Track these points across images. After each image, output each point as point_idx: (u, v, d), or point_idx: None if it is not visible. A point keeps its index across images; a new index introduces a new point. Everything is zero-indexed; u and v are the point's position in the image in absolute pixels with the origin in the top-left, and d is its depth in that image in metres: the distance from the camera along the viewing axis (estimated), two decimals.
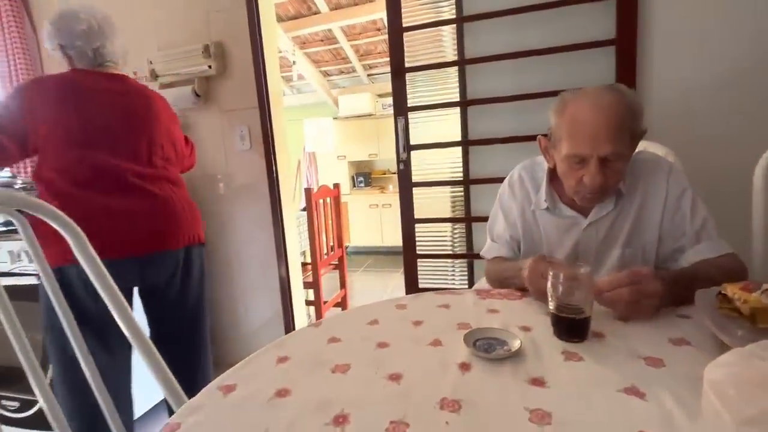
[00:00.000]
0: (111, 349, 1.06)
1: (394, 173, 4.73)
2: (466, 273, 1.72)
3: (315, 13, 3.64)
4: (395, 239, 4.41)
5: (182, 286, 1.19)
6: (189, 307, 1.23)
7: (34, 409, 1.35)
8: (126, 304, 0.67)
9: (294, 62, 4.02)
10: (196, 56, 1.72)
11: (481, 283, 1.10)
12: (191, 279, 1.22)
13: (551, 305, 0.60)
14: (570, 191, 0.80)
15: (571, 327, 0.58)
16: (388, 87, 4.51)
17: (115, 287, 0.64)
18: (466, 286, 1.69)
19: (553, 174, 0.87)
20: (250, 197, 1.85)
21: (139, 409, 1.51)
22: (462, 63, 1.50)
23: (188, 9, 1.78)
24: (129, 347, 1.06)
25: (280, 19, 3.64)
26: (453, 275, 1.79)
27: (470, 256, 1.63)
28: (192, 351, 1.26)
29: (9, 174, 1.82)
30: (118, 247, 1.04)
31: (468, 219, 1.60)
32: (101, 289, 0.66)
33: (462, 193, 1.65)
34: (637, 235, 0.82)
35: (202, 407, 0.48)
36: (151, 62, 1.79)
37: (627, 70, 1.30)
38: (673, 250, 0.81)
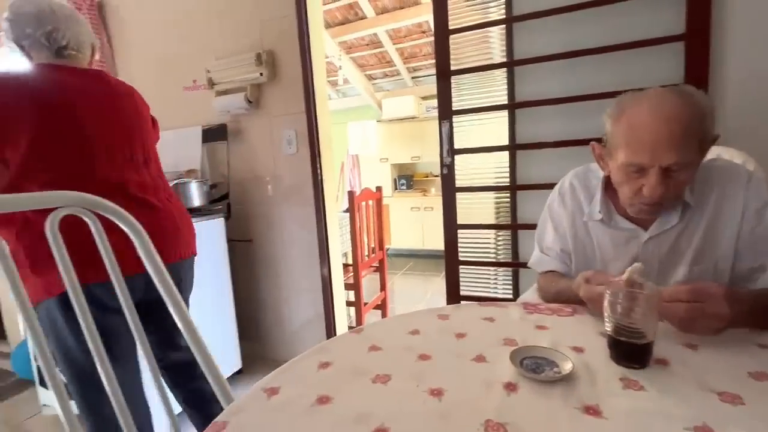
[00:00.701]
0: (117, 358, 0.97)
1: (437, 176, 4.70)
2: (510, 282, 1.65)
3: (361, 18, 3.69)
4: (436, 243, 4.36)
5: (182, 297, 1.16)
6: None
7: None
8: (184, 305, 0.72)
9: (340, 67, 4.11)
10: (249, 64, 1.81)
11: (527, 295, 1.05)
12: (187, 291, 1.23)
13: (608, 326, 0.56)
14: (625, 202, 0.74)
15: (631, 352, 0.53)
16: (432, 89, 4.50)
17: (175, 290, 0.67)
18: (510, 296, 1.63)
19: (608, 183, 0.81)
20: (296, 199, 1.91)
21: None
22: (512, 64, 1.45)
23: (243, 20, 1.87)
24: (134, 353, 1.07)
25: (327, 26, 3.74)
26: (495, 283, 1.73)
27: (515, 264, 1.57)
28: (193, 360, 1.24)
29: None
30: (130, 264, 0.83)
31: (514, 226, 1.54)
32: (165, 293, 0.71)
33: (507, 199, 1.60)
34: (708, 252, 0.74)
35: (247, 408, 0.49)
36: (208, 71, 1.91)
37: (698, 68, 1.19)
38: (751, 270, 0.72)
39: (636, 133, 0.66)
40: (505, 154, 1.55)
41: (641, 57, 1.27)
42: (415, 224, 4.49)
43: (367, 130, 4.69)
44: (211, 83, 1.92)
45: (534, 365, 0.54)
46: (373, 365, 0.57)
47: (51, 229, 0.65)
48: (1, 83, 0.90)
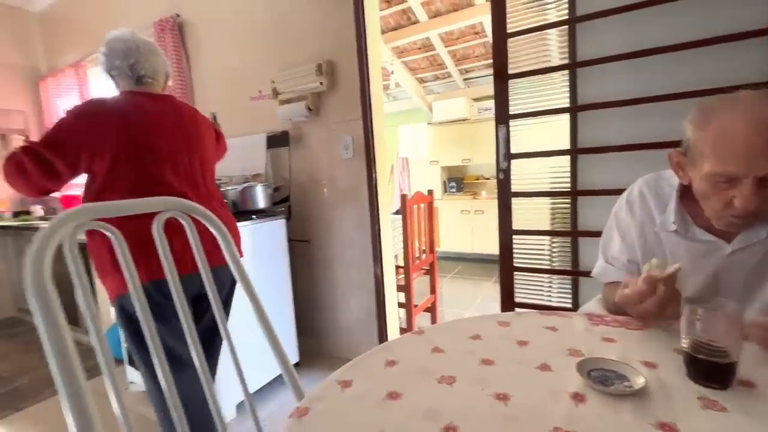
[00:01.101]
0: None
1: (488, 179, 4.61)
2: (567, 290, 1.59)
3: (414, 23, 3.73)
4: (486, 246, 4.28)
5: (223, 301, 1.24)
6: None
7: None
8: (260, 301, 0.80)
9: (392, 72, 4.17)
10: (310, 74, 1.92)
11: (590, 305, 1.02)
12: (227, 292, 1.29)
13: (684, 343, 0.54)
14: (712, 214, 0.70)
15: (712, 371, 0.51)
16: (484, 91, 4.44)
17: (252, 286, 0.75)
18: (567, 305, 1.57)
19: (683, 192, 0.77)
20: (351, 202, 1.98)
21: (251, 386, 1.73)
22: (576, 65, 1.40)
23: (304, 32, 1.99)
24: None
25: (380, 31, 3.81)
26: (550, 291, 1.68)
27: (575, 273, 1.51)
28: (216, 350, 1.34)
29: None
30: (187, 264, 1.00)
31: (574, 233, 1.49)
32: (245, 289, 0.79)
33: (565, 205, 1.55)
34: None
35: (324, 398, 0.54)
36: (273, 82, 2.04)
37: None
38: None
39: (728, 142, 0.62)
40: (564, 158, 1.50)
41: (718, 54, 1.18)
42: (464, 227, 4.44)
43: (418, 133, 4.71)
44: (276, 93, 2.05)
45: (602, 377, 0.53)
46: (437, 366, 0.60)
47: (157, 229, 0.75)
48: (96, 108, 1.09)
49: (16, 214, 3.20)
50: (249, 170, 2.12)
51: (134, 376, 1.88)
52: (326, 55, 1.93)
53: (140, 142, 1.10)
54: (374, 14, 1.88)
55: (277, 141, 2.12)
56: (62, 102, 3.29)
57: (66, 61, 3.28)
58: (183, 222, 0.80)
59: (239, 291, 0.79)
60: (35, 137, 3.62)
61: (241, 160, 2.16)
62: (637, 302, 0.66)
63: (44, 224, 2.68)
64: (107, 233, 0.67)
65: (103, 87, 1.29)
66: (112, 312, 2.07)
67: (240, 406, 1.66)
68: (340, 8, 1.84)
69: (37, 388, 2.04)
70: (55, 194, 1.29)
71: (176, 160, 1.16)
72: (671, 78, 1.26)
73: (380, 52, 2.00)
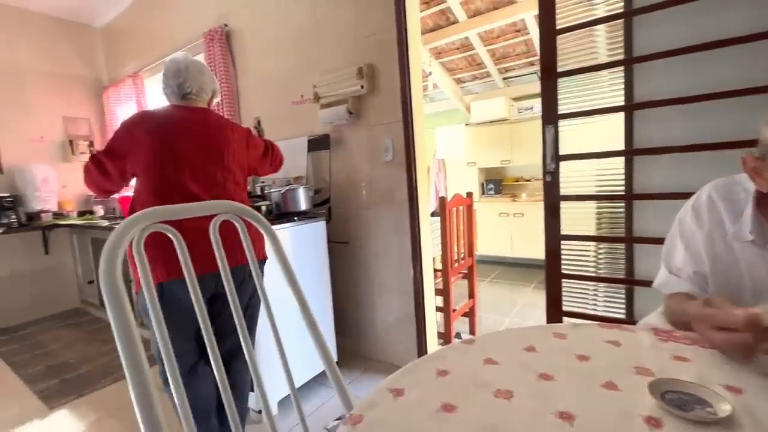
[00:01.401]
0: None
1: (528, 181, 4.46)
2: (616, 300, 1.50)
3: (453, 23, 3.68)
4: (525, 251, 4.13)
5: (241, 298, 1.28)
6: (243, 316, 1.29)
7: None
8: (303, 295, 0.81)
9: (430, 73, 4.14)
10: (350, 78, 1.94)
11: (652, 318, 0.95)
12: (246, 293, 1.34)
13: None
14: None
15: None
16: (524, 90, 4.31)
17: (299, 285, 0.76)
18: (617, 315, 1.48)
19: (761, 199, 0.69)
20: (390, 204, 1.98)
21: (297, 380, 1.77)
22: (631, 61, 1.32)
23: (345, 37, 2.01)
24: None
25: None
26: (595, 300, 1.59)
27: (630, 282, 1.42)
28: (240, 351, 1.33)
29: None
30: (202, 264, 1.06)
31: (630, 239, 1.40)
32: (292, 289, 0.81)
33: (614, 209, 1.46)
34: None
35: (377, 405, 0.54)
36: (315, 86, 2.09)
37: None
38: None
39: None
40: (615, 160, 1.41)
41: None
42: (503, 231, 4.31)
43: (455, 135, 4.64)
44: (317, 97, 2.09)
45: (679, 401, 0.49)
46: (492, 379, 0.58)
47: (213, 230, 0.78)
48: (138, 119, 1.26)
49: (81, 214, 3.48)
50: (291, 173, 2.17)
51: None
52: (367, 59, 1.94)
53: (165, 149, 1.22)
54: (415, 16, 1.87)
55: (318, 144, 2.16)
56: (121, 110, 3.54)
57: (125, 72, 3.53)
58: (236, 224, 0.82)
59: (285, 289, 0.79)
60: (98, 143, 3.92)
61: (284, 164, 2.22)
62: (722, 327, 0.58)
63: (102, 222, 2.88)
64: (169, 234, 0.71)
65: (158, 95, 1.43)
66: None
67: (281, 403, 1.70)
68: (381, 11, 1.85)
69: (98, 375, 2.20)
70: (115, 195, 1.42)
71: (196, 166, 1.25)
72: (744, 71, 1.15)
73: (420, 53, 1.98)
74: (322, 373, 1.92)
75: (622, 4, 1.33)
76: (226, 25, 2.56)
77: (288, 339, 1.41)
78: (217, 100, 1.46)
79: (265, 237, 0.84)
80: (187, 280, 0.72)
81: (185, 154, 1.24)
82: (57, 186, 3.38)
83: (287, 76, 2.32)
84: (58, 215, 3.33)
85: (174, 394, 0.61)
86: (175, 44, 3.01)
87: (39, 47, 3.45)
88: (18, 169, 3.23)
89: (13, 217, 3.07)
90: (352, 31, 1.98)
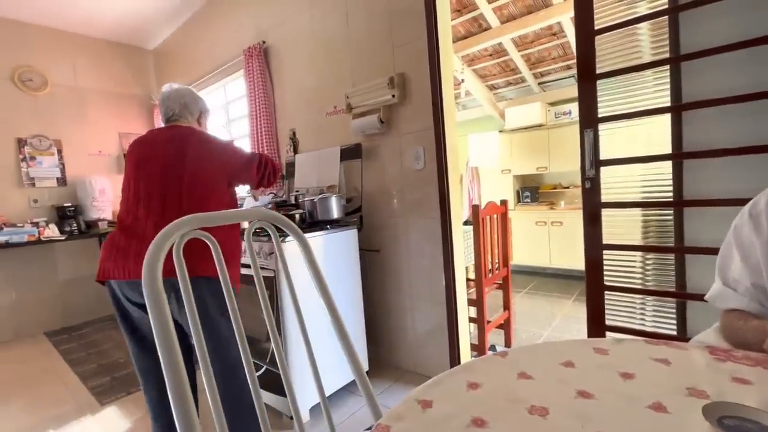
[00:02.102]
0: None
1: (567, 188, 4.28)
2: (667, 315, 1.40)
3: (485, 30, 3.64)
4: (564, 261, 3.95)
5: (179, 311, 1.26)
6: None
7: (259, 372, 1.76)
8: (332, 300, 0.81)
9: (462, 80, 4.11)
10: (382, 88, 1.96)
11: (707, 336, 0.87)
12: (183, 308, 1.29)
13: None
14: None
15: None
16: (561, 94, 4.17)
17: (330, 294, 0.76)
18: (669, 332, 1.37)
19: None
20: (421, 212, 1.97)
21: (325, 390, 1.78)
22: (678, 59, 1.24)
23: (376, 48, 2.04)
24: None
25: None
26: (643, 315, 1.48)
27: (682, 295, 1.31)
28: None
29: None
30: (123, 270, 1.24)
31: (681, 249, 1.30)
32: (319, 290, 0.82)
33: (663, 217, 1.37)
34: None
35: (405, 417, 0.52)
36: (347, 97, 2.13)
37: None
38: None
39: None
40: (661, 164, 1.33)
41: None
42: (540, 240, 4.15)
43: (489, 142, 4.56)
44: (349, 107, 2.13)
45: (740, 428, 0.44)
46: (526, 394, 0.55)
47: (247, 236, 0.81)
48: (133, 141, 1.42)
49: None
50: (324, 182, 2.22)
51: None
52: (398, 68, 1.96)
53: (130, 167, 1.36)
54: (446, 24, 1.87)
55: (350, 153, 2.19)
56: None
57: None
58: (269, 230, 0.85)
59: (317, 299, 0.80)
60: None
61: (316, 172, 2.28)
62: None
63: None
64: (206, 240, 0.74)
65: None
66: None
67: (313, 410, 1.71)
68: (412, 21, 1.87)
69: None
70: None
71: (152, 188, 1.29)
72: None
73: (452, 61, 1.97)
74: (354, 382, 1.92)
75: (663, 0, 1.26)
76: (263, 42, 2.69)
77: (320, 346, 1.43)
78: (205, 118, 1.53)
79: (297, 244, 0.86)
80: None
81: (136, 170, 1.33)
82: (112, 196, 3.66)
83: (321, 87, 2.38)
84: (112, 223, 3.60)
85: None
86: (218, 61, 3.19)
87: (99, 69, 3.78)
88: (79, 180, 3.52)
89: (75, 225, 3.34)
90: (384, 41, 2.01)
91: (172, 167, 1.29)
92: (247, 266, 1.74)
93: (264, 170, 1.49)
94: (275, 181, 1.58)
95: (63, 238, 3.16)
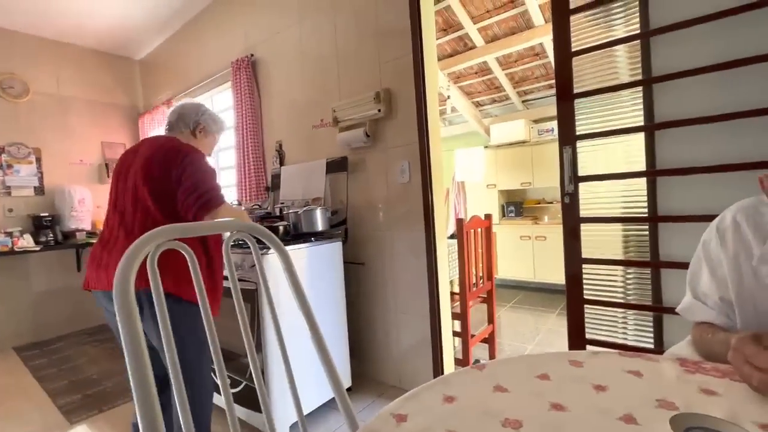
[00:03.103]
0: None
1: (550, 203, 4.37)
2: (646, 328, 1.42)
3: (471, 48, 3.75)
4: (548, 275, 4.00)
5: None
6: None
7: (238, 388, 1.71)
8: (312, 313, 0.80)
9: (448, 97, 4.20)
10: (368, 102, 1.99)
11: (680, 348, 0.89)
12: (145, 321, 1.22)
13: None
14: None
15: None
16: (544, 112, 4.29)
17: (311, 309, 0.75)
18: (646, 345, 1.40)
19: None
20: (406, 225, 1.98)
21: (307, 406, 1.74)
22: (650, 82, 1.30)
23: (364, 63, 2.08)
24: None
25: (437, 59, 3.88)
26: (625, 328, 1.51)
27: (657, 309, 1.34)
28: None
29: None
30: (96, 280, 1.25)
31: (656, 264, 1.33)
32: (299, 303, 0.81)
33: (641, 232, 1.40)
34: None
35: (379, 431, 0.52)
36: (334, 110, 2.15)
37: None
38: None
39: None
40: (641, 180, 1.37)
41: None
42: (524, 254, 4.20)
43: (474, 157, 4.63)
44: (336, 121, 2.15)
45: None
46: (501, 407, 0.55)
47: (226, 248, 0.80)
48: None
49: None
50: (309, 194, 2.22)
51: None
52: (384, 83, 2.00)
53: (112, 174, 1.41)
54: (431, 43, 1.92)
55: (336, 166, 2.20)
56: (154, 134, 3.75)
57: (159, 100, 3.76)
58: (248, 241, 0.84)
59: (296, 312, 0.79)
60: None
61: (302, 185, 2.28)
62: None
63: None
64: (182, 251, 0.73)
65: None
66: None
67: (294, 428, 1.67)
68: (399, 39, 1.91)
69: (118, 392, 2.23)
70: None
71: (117, 195, 1.32)
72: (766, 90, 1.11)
73: (437, 78, 2.02)
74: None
75: (638, 24, 1.32)
76: (252, 55, 2.71)
77: (303, 361, 1.40)
78: (199, 130, 1.48)
79: (277, 255, 0.85)
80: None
81: (114, 183, 1.35)
82: (92, 206, 3.57)
83: (308, 101, 2.40)
84: (91, 234, 3.50)
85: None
86: (205, 73, 3.19)
87: (83, 77, 3.74)
88: (58, 189, 3.43)
89: (51, 235, 3.24)
90: (371, 57, 2.05)
91: (141, 178, 1.25)
92: (226, 278, 1.72)
93: (189, 199, 1.25)
94: (199, 214, 1.29)
95: (38, 248, 3.06)
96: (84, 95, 3.74)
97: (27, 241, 3.05)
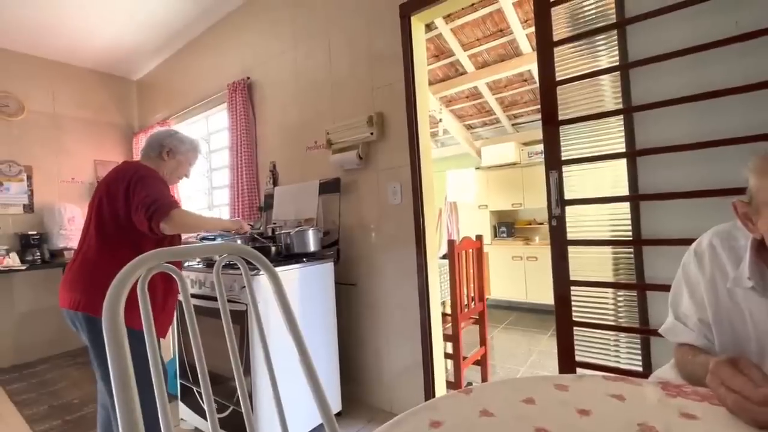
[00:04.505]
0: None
1: (541, 224, 4.42)
2: (637, 351, 1.43)
3: (462, 74, 3.87)
4: (541, 296, 4.01)
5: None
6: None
7: (225, 413, 1.67)
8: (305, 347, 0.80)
9: (440, 120, 4.30)
10: (361, 126, 2.03)
11: (664, 371, 0.90)
12: (87, 340, 1.32)
13: None
14: None
15: None
16: (533, 135, 4.40)
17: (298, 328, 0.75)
18: (638, 368, 1.40)
19: (761, 245, 0.69)
20: (398, 246, 1.99)
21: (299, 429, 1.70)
22: (629, 110, 1.36)
23: (357, 87, 2.14)
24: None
25: (429, 83, 3.99)
26: (617, 351, 1.51)
27: (643, 331, 1.36)
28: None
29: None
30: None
31: (641, 286, 1.36)
32: (288, 325, 0.81)
33: (628, 255, 1.43)
34: None
35: None
36: (328, 133, 2.19)
37: None
38: None
39: None
40: (625, 204, 1.41)
41: None
42: (516, 274, 4.22)
43: (466, 178, 4.71)
44: (330, 143, 2.19)
45: None
46: None
47: (216, 270, 0.80)
48: None
49: None
50: (302, 215, 2.23)
51: (185, 413, 1.93)
52: (377, 107, 2.05)
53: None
54: (423, 68, 1.99)
55: (329, 187, 2.23)
56: None
57: (155, 120, 3.80)
58: (238, 263, 0.85)
59: (286, 334, 0.79)
60: None
61: (295, 205, 2.29)
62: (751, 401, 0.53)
63: None
64: (173, 275, 0.74)
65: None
66: (172, 345, 2.17)
67: None
68: (391, 64, 1.98)
69: None
70: None
71: (91, 206, 1.42)
72: (748, 119, 1.17)
73: (428, 103, 2.08)
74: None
75: (617, 55, 1.39)
76: (248, 78, 2.77)
77: (293, 384, 1.38)
78: (166, 154, 1.52)
79: (267, 277, 0.85)
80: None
81: (91, 203, 1.43)
82: (82, 225, 3.54)
83: (302, 123, 2.45)
84: None
85: None
86: (201, 94, 3.24)
87: (79, 97, 3.77)
88: (47, 208, 3.41)
89: (38, 254, 3.19)
90: (364, 81, 2.11)
91: (104, 198, 1.37)
92: (214, 299, 1.70)
93: (149, 219, 1.29)
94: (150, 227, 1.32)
95: (24, 267, 3.01)
96: (79, 114, 3.77)
97: (12, 260, 3.00)
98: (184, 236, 1.69)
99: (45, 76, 3.56)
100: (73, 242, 3.44)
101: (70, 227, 3.42)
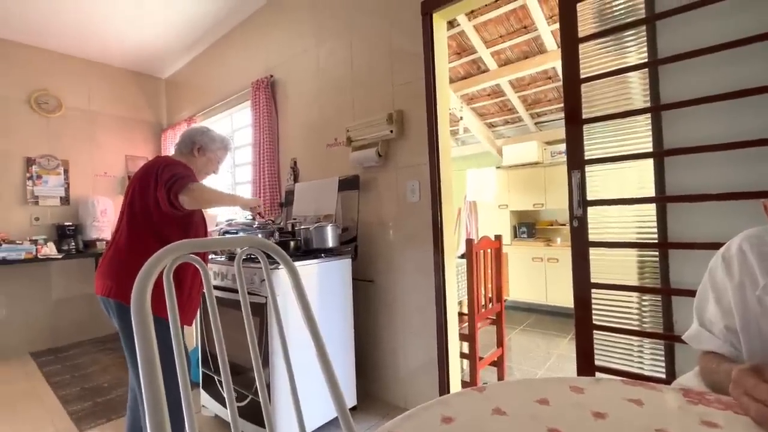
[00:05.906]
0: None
1: (563, 225, 4.32)
2: (661, 357, 1.38)
3: (484, 71, 3.82)
4: (561, 298, 3.92)
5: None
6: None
7: (244, 402, 1.72)
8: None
9: (461, 118, 4.26)
10: (381, 123, 2.04)
11: (688, 378, 0.88)
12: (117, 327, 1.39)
13: None
14: None
15: None
16: (557, 134, 4.31)
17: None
18: (661, 375, 1.36)
19: None
20: (416, 244, 1.99)
21: (312, 424, 1.74)
22: (658, 109, 1.31)
23: (377, 85, 2.15)
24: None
25: (450, 81, 3.96)
26: (641, 357, 1.47)
27: (667, 337, 1.32)
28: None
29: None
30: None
31: (666, 290, 1.31)
32: (305, 318, 0.83)
33: (653, 258, 1.39)
34: None
35: None
36: (348, 130, 2.21)
37: None
38: None
39: None
40: (651, 206, 1.36)
41: None
42: (536, 276, 4.15)
43: (486, 177, 4.65)
44: (349, 140, 2.21)
45: None
46: (497, 430, 0.56)
47: (237, 263, 0.83)
48: None
49: None
50: (321, 211, 2.26)
51: (206, 400, 2.00)
52: (397, 105, 2.06)
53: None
54: (443, 67, 1.98)
55: (348, 184, 2.25)
56: None
57: (182, 116, 3.92)
58: (259, 256, 0.88)
59: (304, 327, 0.81)
60: None
61: (315, 201, 2.33)
62: None
63: None
64: (196, 265, 0.77)
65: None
66: (195, 334, 2.25)
67: None
68: (412, 63, 1.98)
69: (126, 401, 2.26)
70: None
71: (124, 202, 1.47)
72: None
73: (448, 100, 2.07)
74: None
75: (646, 51, 1.35)
76: (271, 76, 2.82)
77: (311, 376, 1.41)
78: (197, 152, 1.60)
79: (286, 271, 0.88)
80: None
81: (125, 197, 1.49)
82: (113, 217, 3.70)
83: (323, 120, 2.48)
84: None
85: None
86: (226, 92, 3.33)
87: (112, 94, 3.94)
88: (82, 200, 3.58)
89: (73, 244, 3.37)
90: (384, 80, 2.12)
91: (131, 196, 1.44)
92: (236, 291, 1.75)
93: (168, 191, 1.35)
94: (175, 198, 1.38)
95: (60, 256, 3.18)
96: (112, 111, 3.94)
97: (50, 249, 3.17)
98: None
99: (81, 74, 3.73)
100: (105, 233, 3.60)
101: (102, 219, 3.59)
